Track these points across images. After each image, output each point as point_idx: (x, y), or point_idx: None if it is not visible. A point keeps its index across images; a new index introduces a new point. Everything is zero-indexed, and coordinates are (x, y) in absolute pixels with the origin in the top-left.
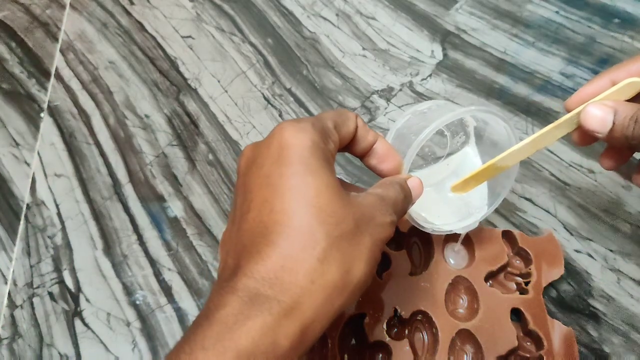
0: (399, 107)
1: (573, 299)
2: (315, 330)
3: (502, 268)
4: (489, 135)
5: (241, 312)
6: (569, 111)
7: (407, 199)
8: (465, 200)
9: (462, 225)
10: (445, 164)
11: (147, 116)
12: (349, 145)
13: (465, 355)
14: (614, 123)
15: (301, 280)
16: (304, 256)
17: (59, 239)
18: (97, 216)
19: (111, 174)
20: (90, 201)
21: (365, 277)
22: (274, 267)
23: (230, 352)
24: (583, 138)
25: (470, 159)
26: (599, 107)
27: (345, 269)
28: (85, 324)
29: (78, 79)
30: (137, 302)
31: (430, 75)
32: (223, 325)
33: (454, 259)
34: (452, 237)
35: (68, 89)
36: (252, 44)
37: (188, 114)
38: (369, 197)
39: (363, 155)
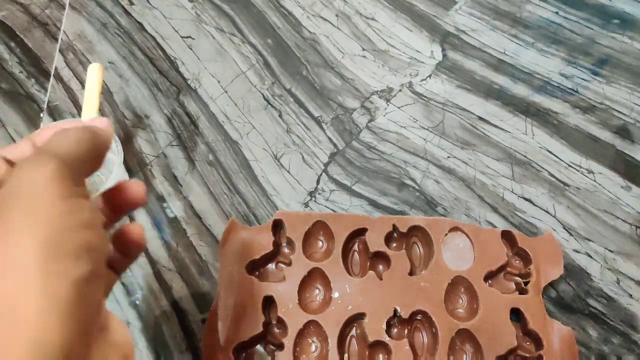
0: (399, 107)
1: (572, 299)
2: None
3: (502, 268)
4: None
5: None
6: None
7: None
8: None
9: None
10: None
11: (147, 116)
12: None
13: (464, 355)
14: None
15: None
16: None
17: None
18: None
19: None
20: None
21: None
22: None
23: None
24: None
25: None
26: None
27: None
28: None
29: (78, 79)
30: (137, 303)
31: (429, 76)
32: None
33: (453, 262)
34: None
35: (67, 89)
36: (251, 45)
37: (188, 114)
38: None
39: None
